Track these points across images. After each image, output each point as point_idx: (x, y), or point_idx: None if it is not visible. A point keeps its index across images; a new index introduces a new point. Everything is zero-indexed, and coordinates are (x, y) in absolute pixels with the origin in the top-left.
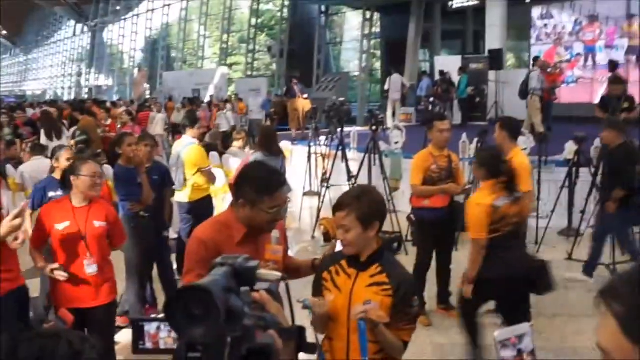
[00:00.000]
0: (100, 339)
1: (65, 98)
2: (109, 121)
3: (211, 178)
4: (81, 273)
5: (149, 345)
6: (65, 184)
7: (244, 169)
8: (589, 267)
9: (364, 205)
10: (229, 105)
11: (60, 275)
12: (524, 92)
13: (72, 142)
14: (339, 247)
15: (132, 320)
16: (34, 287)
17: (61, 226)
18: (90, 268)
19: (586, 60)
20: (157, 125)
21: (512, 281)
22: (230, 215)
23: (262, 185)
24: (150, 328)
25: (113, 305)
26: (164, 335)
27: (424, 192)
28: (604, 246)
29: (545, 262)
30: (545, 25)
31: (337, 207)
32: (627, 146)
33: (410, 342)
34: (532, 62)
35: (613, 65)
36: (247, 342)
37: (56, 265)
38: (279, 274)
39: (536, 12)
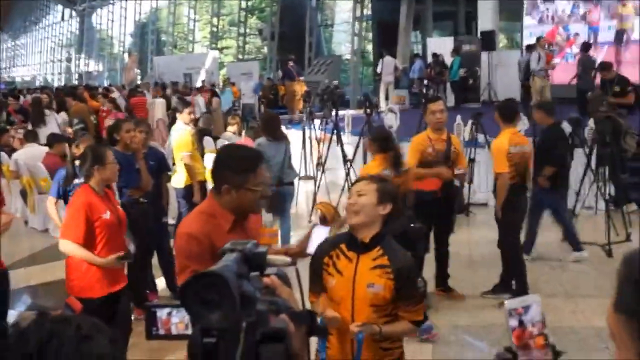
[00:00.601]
0: (124, 321)
1: (56, 84)
2: (106, 106)
3: (189, 168)
4: None
5: (161, 331)
6: (73, 173)
7: (218, 156)
8: (574, 242)
9: (386, 184)
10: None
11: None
12: (526, 74)
13: (70, 130)
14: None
15: (145, 307)
16: (30, 276)
17: (107, 215)
18: (129, 248)
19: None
20: (157, 109)
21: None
22: (213, 204)
23: (243, 165)
24: (162, 314)
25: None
26: (176, 321)
27: (417, 174)
28: (538, 221)
29: (422, 227)
30: (547, 9)
31: (360, 179)
32: (557, 126)
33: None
34: (526, 44)
35: (586, 46)
36: (261, 326)
37: (121, 253)
38: (288, 259)
39: None
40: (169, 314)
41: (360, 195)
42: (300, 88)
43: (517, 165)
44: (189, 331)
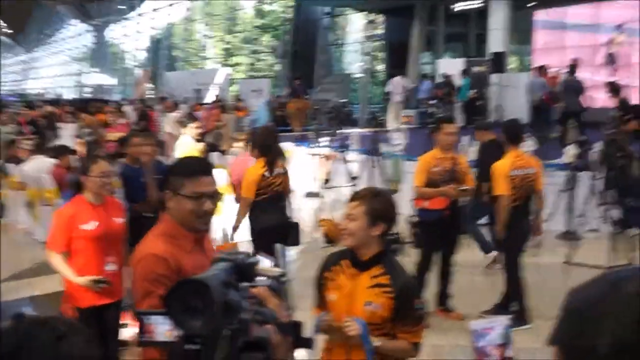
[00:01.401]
0: (112, 335)
1: (67, 97)
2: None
3: None
4: (102, 272)
5: (149, 338)
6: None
7: (170, 165)
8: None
9: (376, 202)
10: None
11: (103, 286)
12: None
13: (78, 140)
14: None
15: (135, 314)
16: (32, 286)
17: (89, 226)
18: (111, 266)
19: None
20: (166, 123)
21: (267, 232)
22: (170, 224)
23: (181, 169)
24: (151, 321)
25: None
26: (166, 328)
27: (424, 193)
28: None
29: (297, 223)
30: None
31: (351, 198)
32: (496, 141)
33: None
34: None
35: (572, 68)
36: (244, 335)
37: (99, 278)
38: (279, 270)
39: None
40: (159, 321)
41: (351, 220)
42: (303, 106)
43: (518, 188)
44: None
